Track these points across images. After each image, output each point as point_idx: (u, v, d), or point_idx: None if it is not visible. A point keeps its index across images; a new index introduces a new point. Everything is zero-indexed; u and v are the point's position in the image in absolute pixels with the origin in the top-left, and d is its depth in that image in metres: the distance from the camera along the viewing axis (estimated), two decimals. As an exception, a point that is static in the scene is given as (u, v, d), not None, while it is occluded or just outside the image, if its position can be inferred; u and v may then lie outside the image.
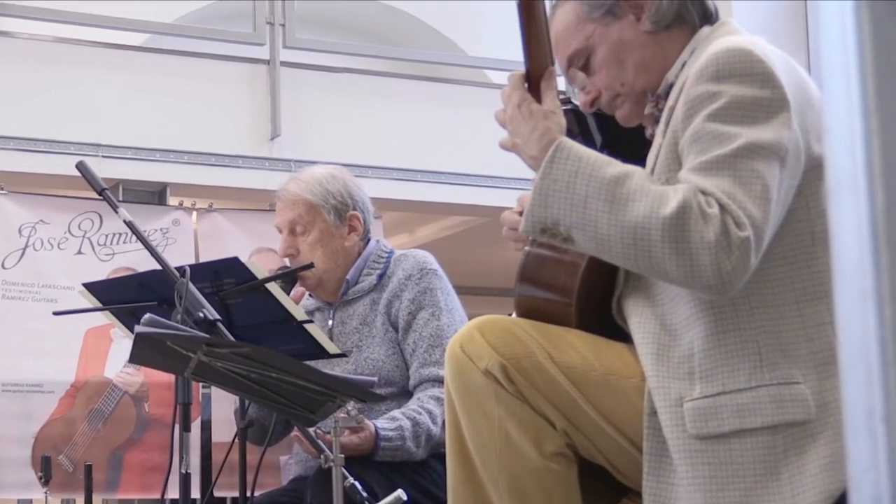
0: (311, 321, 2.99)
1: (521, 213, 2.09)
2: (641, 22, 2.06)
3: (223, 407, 4.65)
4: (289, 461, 3.67)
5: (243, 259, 2.95)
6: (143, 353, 2.45)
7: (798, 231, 1.91)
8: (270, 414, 2.97)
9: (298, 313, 2.95)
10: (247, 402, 2.92)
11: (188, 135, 5.22)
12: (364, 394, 2.48)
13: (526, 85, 2.01)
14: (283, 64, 5.43)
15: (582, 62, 2.09)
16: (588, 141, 2.19)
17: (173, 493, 3.13)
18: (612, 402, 1.97)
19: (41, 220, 4.76)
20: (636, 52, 2.06)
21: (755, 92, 1.85)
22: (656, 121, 2.05)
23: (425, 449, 3.03)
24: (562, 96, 2.06)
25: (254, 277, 2.88)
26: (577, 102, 2.16)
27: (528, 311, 2.08)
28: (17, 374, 4.60)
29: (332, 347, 3.00)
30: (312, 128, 5.45)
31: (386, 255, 3.28)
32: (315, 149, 5.30)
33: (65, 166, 4.49)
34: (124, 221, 2.83)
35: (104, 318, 3.27)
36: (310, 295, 3.32)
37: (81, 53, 5.15)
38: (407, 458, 3.00)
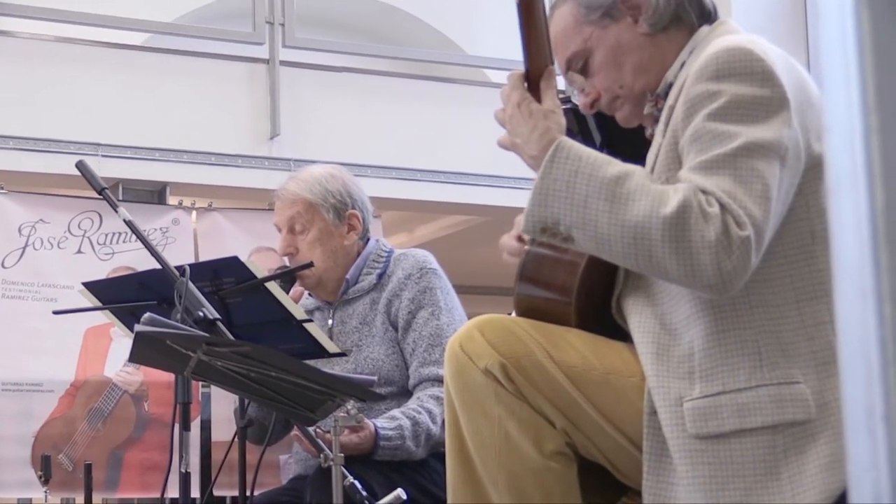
0: (310, 320, 2.99)
1: (519, 238, 2.10)
2: (639, 24, 2.06)
3: (223, 406, 4.65)
4: (288, 460, 3.66)
5: (243, 258, 2.95)
6: (143, 352, 2.45)
7: (798, 230, 1.91)
8: (270, 413, 2.97)
9: (298, 312, 2.95)
10: (246, 401, 2.92)
11: (188, 134, 5.22)
12: (364, 393, 2.48)
13: (525, 84, 2.01)
14: (283, 63, 5.43)
15: (580, 64, 2.09)
16: (588, 140, 2.19)
17: (173, 492, 3.13)
18: (612, 401, 1.97)
19: (41, 220, 4.76)
20: (634, 55, 2.06)
21: (755, 91, 1.85)
22: (656, 120, 2.05)
23: (425, 448, 3.03)
24: (561, 95, 2.06)
25: (253, 276, 2.88)
26: (576, 102, 2.16)
27: (528, 310, 2.08)
28: (16, 374, 4.60)
29: (331, 346, 3.00)
30: (312, 127, 5.46)
31: (385, 254, 3.28)
32: (314, 148, 5.30)
33: (64, 165, 4.49)
34: (124, 221, 2.83)
35: (104, 318, 3.27)
36: (309, 294, 3.32)
37: (81, 53, 5.15)
38: (406, 458, 3.00)
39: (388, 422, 2.98)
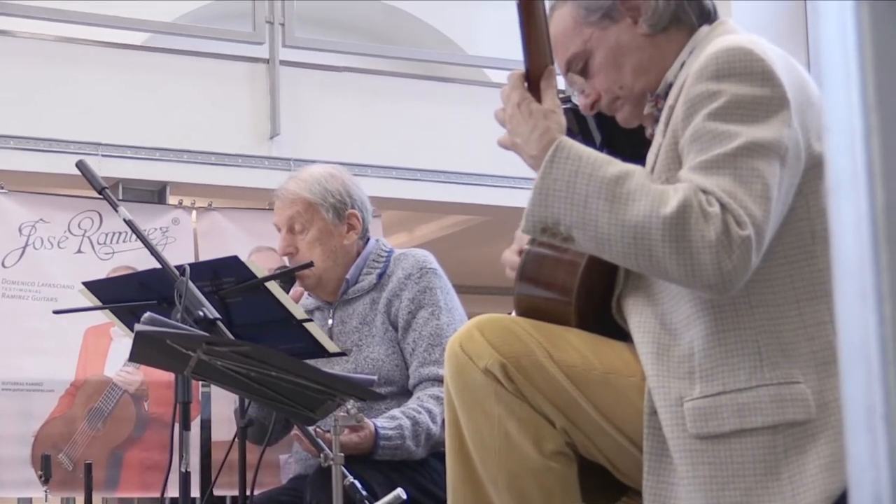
0: (310, 320, 2.99)
1: (520, 252, 2.10)
2: (638, 25, 2.06)
3: (223, 406, 4.65)
4: (288, 460, 3.66)
5: (243, 258, 2.95)
6: (143, 351, 2.45)
7: (798, 230, 1.91)
8: (270, 413, 2.97)
9: (298, 312, 2.95)
10: (246, 401, 2.92)
11: (188, 134, 5.22)
12: (364, 392, 2.48)
13: (526, 84, 2.01)
14: (283, 63, 5.43)
15: (580, 66, 2.09)
16: (588, 140, 2.19)
17: (173, 491, 3.13)
18: (612, 400, 1.97)
19: (41, 219, 4.76)
20: (634, 56, 2.06)
21: (755, 90, 1.85)
22: (656, 120, 2.05)
23: (425, 448, 3.03)
24: (561, 95, 2.06)
25: (253, 276, 2.89)
26: (576, 102, 2.16)
27: (528, 310, 2.08)
28: (16, 373, 4.60)
29: (331, 346, 3.00)
30: (312, 127, 5.45)
31: (385, 254, 3.28)
32: (314, 148, 5.30)
33: (65, 165, 4.49)
34: (124, 220, 2.83)
35: (104, 317, 3.27)
36: (309, 294, 3.33)
37: (81, 52, 5.15)
38: (406, 457, 3.00)
39: (388, 421, 2.98)
